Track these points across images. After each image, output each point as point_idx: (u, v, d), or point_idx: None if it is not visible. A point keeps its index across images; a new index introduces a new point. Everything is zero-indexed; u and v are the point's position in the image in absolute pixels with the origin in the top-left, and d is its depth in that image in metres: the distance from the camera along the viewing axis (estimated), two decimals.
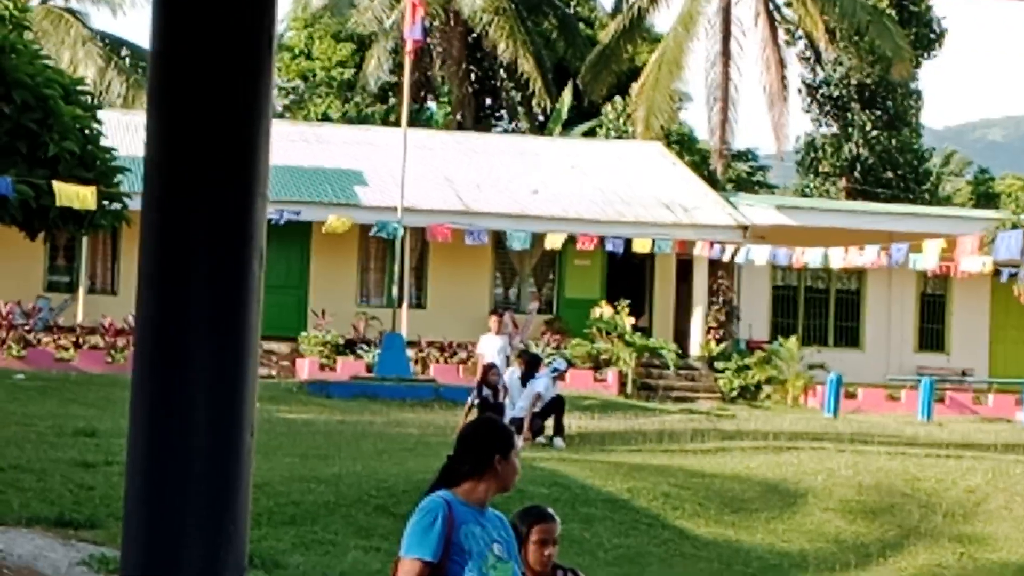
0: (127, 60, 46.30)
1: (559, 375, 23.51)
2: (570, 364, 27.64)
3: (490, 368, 22.33)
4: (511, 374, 22.86)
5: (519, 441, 21.17)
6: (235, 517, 3.51)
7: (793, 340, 35.30)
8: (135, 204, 25.68)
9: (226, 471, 3.51)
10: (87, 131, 23.18)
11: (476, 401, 21.50)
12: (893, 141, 53.98)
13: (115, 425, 19.36)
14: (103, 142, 24.01)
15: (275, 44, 3.68)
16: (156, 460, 3.50)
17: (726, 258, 32.67)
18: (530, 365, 22.87)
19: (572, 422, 23.75)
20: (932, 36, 53.53)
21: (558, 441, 21.95)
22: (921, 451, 22.58)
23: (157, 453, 3.49)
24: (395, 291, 32.39)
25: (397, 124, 36.47)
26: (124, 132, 32.83)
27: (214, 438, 3.49)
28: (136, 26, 44.35)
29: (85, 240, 32.85)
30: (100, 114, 24.70)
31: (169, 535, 3.46)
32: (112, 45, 46.01)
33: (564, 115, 49.61)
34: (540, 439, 22.11)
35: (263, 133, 3.58)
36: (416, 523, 6.20)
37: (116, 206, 23.33)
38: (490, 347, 25.16)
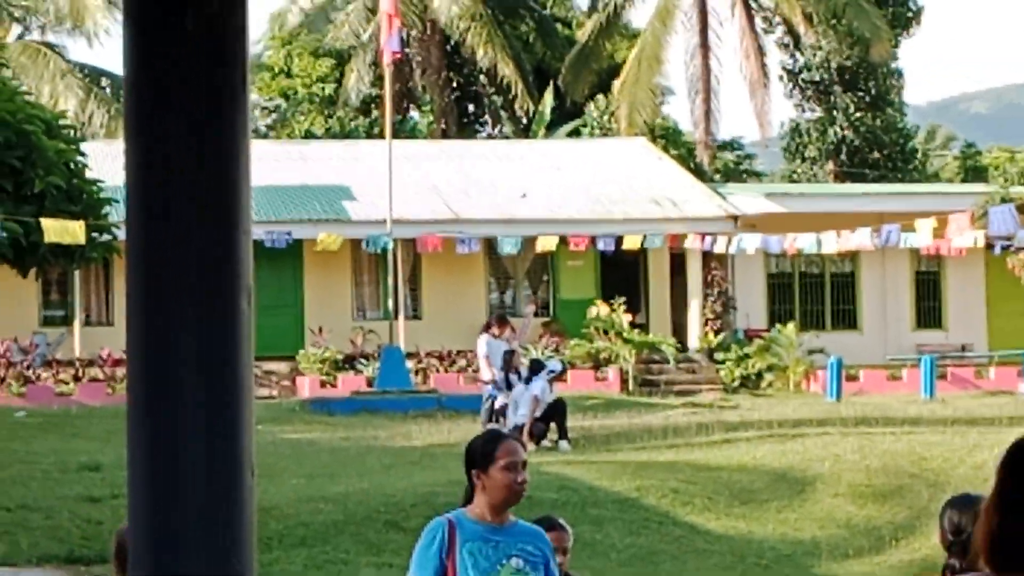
0: (107, 90, 46.31)
1: (555, 377, 23.50)
2: (565, 366, 27.58)
3: (512, 353, 23.16)
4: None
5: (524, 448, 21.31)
6: (240, 556, 3.48)
7: (791, 326, 35.29)
8: (126, 235, 25.61)
9: (228, 510, 3.47)
10: (72, 165, 23.18)
11: (496, 393, 22.29)
12: (877, 121, 53.98)
13: (119, 458, 19.31)
14: (88, 174, 24.03)
15: (249, 77, 3.65)
16: (154, 505, 3.46)
17: (718, 249, 32.69)
18: (532, 369, 22.93)
19: (576, 423, 23.73)
20: (909, 15, 53.56)
21: (563, 444, 21.94)
22: (926, 430, 22.59)
23: (156, 498, 3.46)
24: (390, 304, 32.37)
25: (381, 136, 36.44)
26: (109, 163, 32.77)
27: (213, 478, 3.45)
28: (114, 56, 44.34)
29: (77, 273, 32.80)
30: (84, 146, 24.72)
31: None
32: (91, 76, 46.02)
33: (547, 117, 49.60)
34: (545, 443, 22.11)
35: (243, 168, 3.54)
36: (418, 545, 6.27)
37: (106, 238, 23.34)
38: (495, 349, 24.83)
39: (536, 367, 23.24)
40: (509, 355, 23.26)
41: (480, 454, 6.28)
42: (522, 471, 6.25)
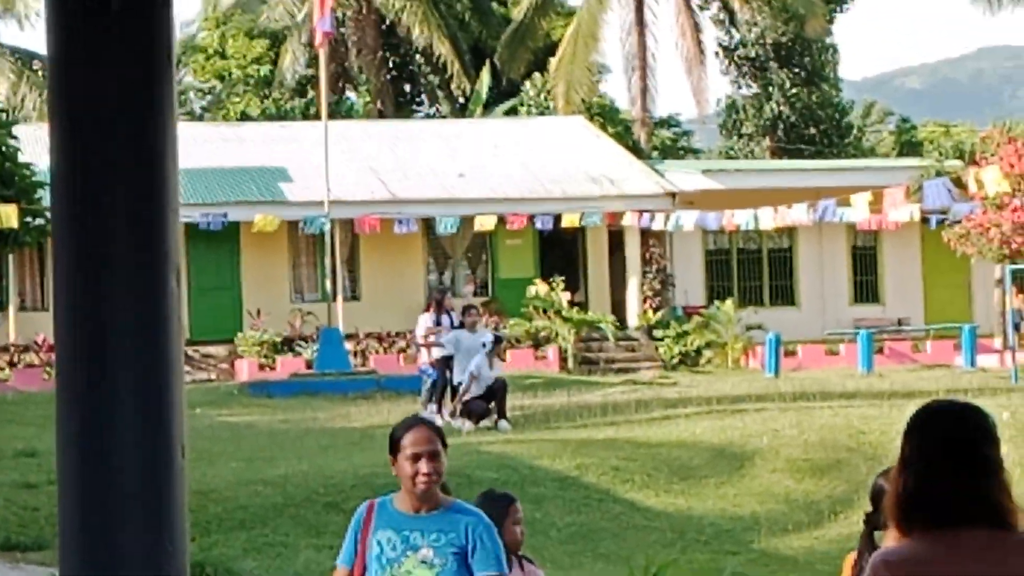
0: (39, 73, 45.84)
1: (493, 351, 23.13)
2: (503, 338, 27.29)
3: (444, 293, 24.03)
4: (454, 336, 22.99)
5: (458, 421, 21.42)
6: (173, 536, 3.45)
7: (729, 303, 35.40)
8: None
9: (159, 491, 3.44)
10: (4, 148, 22.99)
11: (433, 335, 22.99)
12: (813, 97, 54.23)
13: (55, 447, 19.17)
14: (21, 158, 23.83)
15: (174, 52, 3.60)
16: (86, 486, 3.43)
17: (656, 226, 32.75)
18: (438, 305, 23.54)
19: (516, 402, 23.73)
20: None
21: (503, 424, 21.88)
22: (864, 404, 22.73)
23: (87, 478, 3.43)
24: (328, 285, 32.26)
25: (318, 117, 36.28)
26: (41, 146, 32.44)
27: (144, 459, 3.43)
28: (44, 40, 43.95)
29: (11, 258, 32.49)
30: (16, 130, 24.52)
31: (106, 558, 3.40)
32: (23, 59, 45.54)
33: (484, 96, 49.52)
34: (486, 422, 22.07)
35: (170, 145, 3.51)
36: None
37: (40, 222, 23.15)
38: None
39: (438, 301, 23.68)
40: (440, 294, 23.84)
41: (391, 440, 6.13)
42: (429, 461, 5.98)
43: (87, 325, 3.44)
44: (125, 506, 3.41)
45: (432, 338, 23.72)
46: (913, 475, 3.67)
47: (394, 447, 6.07)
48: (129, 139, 3.44)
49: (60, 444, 3.47)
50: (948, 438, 3.70)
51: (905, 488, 3.68)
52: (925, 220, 32.17)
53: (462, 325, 23.10)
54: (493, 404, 22.35)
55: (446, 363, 22.97)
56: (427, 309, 25.50)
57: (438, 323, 23.39)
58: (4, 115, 24.70)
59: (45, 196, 23.65)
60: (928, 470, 3.66)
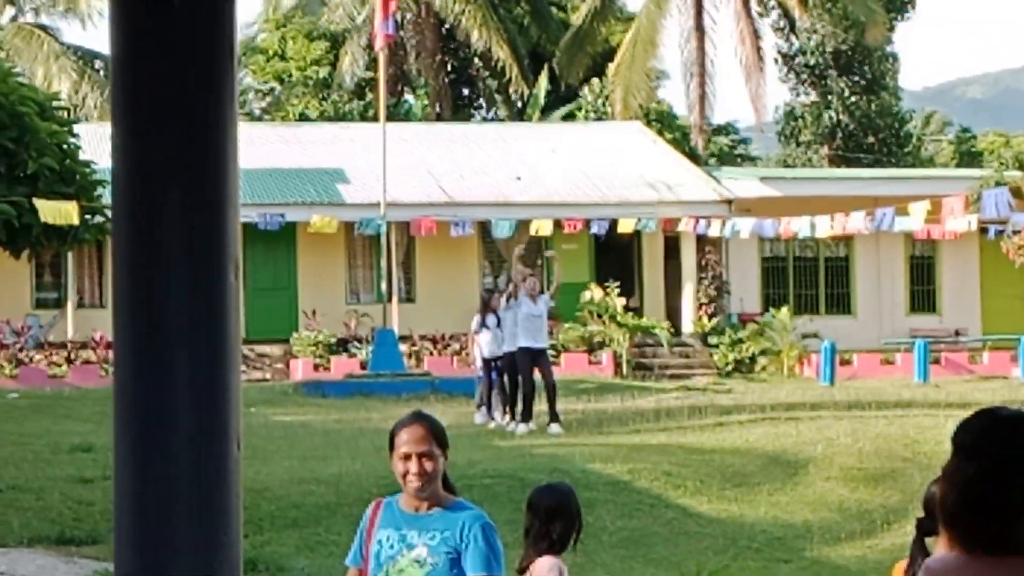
0: (100, 72, 46.23)
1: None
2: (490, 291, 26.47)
3: (492, 293, 23.61)
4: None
5: (513, 423, 21.27)
6: (227, 528, 3.48)
7: (785, 311, 35.29)
8: None
9: (214, 483, 3.47)
10: (65, 146, 23.14)
11: (479, 333, 23.02)
12: (872, 106, 53.92)
13: (111, 439, 19.31)
14: (81, 156, 23.99)
15: (236, 49, 3.64)
16: (142, 477, 3.46)
17: (712, 232, 32.66)
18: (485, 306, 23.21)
19: (569, 406, 23.72)
20: None
21: (554, 427, 21.69)
22: (919, 413, 22.59)
23: (142, 470, 3.46)
24: (384, 287, 32.34)
25: (376, 120, 36.38)
26: (102, 145, 32.72)
27: (199, 451, 3.45)
28: (107, 38, 44.41)
29: (70, 255, 32.77)
30: (77, 128, 24.67)
31: (160, 550, 3.43)
32: (85, 58, 45.94)
33: (542, 100, 49.57)
34: (495, 419, 22.15)
35: (230, 141, 3.53)
36: None
37: (99, 219, 23.30)
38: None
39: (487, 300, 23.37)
40: (488, 294, 23.65)
41: (389, 437, 6.08)
42: (419, 461, 5.92)
43: (146, 318, 3.47)
44: (180, 498, 3.43)
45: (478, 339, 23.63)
46: (964, 488, 3.42)
47: (390, 445, 6.04)
48: (191, 134, 3.47)
49: (116, 436, 3.50)
50: (1010, 454, 3.39)
51: (956, 502, 3.45)
52: (984, 230, 31.96)
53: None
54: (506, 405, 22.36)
55: (488, 365, 22.90)
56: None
57: (484, 324, 23.08)
58: (66, 113, 24.87)
59: (105, 194, 23.79)
60: (984, 487, 3.38)
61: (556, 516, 6.92)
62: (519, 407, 21.83)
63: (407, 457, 5.92)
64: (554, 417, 21.76)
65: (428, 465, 5.91)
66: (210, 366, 3.46)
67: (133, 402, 3.47)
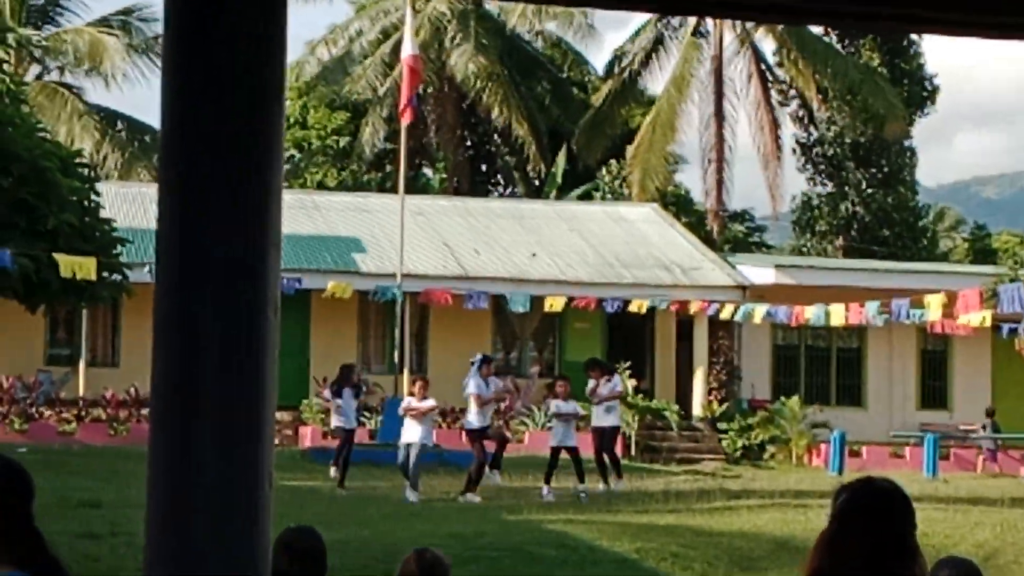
0: (123, 133, 46.49)
1: (481, 366, 23.92)
2: (486, 359, 26.68)
3: (351, 368, 25.58)
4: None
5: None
6: (256, 567, 3.48)
7: (795, 399, 35.23)
8: (135, 276, 25.74)
9: (245, 521, 3.47)
10: (86, 203, 23.25)
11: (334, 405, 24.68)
12: (889, 199, 54.01)
13: (120, 496, 19.27)
14: (102, 214, 24.07)
15: (286, 95, 3.67)
16: (174, 510, 3.46)
17: (724, 315, 32.65)
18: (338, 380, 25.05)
19: (576, 484, 23.65)
20: (924, 94, 53.71)
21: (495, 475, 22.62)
22: (928, 506, 22.46)
23: (175, 503, 3.46)
24: (396, 357, 32.33)
25: (394, 191, 36.51)
26: (122, 203, 32.86)
27: (231, 488, 3.46)
28: (130, 99, 44.61)
29: (85, 312, 32.82)
30: (98, 186, 24.78)
31: None
32: (108, 118, 46.20)
33: (559, 179, 49.71)
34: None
35: (275, 183, 3.56)
36: None
37: (116, 277, 23.36)
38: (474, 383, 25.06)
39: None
40: (347, 370, 25.45)
41: None
42: None
43: (183, 350, 3.49)
44: (211, 533, 3.44)
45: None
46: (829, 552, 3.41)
47: None
48: (239, 167, 3.49)
49: (150, 464, 3.50)
50: (855, 505, 3.36)
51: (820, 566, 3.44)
52: (997, 328, 31.92)
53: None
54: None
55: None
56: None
57: (338, 395, 24.65)
58: (88, 170, 25.00)
59: (124, 253, 23.89)
60: (844, 549, 3.38)
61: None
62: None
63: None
64: (495, 464, 23.64)
65: None
66: (245, 400, 3.47)
67: (166, 432, 3.47)
